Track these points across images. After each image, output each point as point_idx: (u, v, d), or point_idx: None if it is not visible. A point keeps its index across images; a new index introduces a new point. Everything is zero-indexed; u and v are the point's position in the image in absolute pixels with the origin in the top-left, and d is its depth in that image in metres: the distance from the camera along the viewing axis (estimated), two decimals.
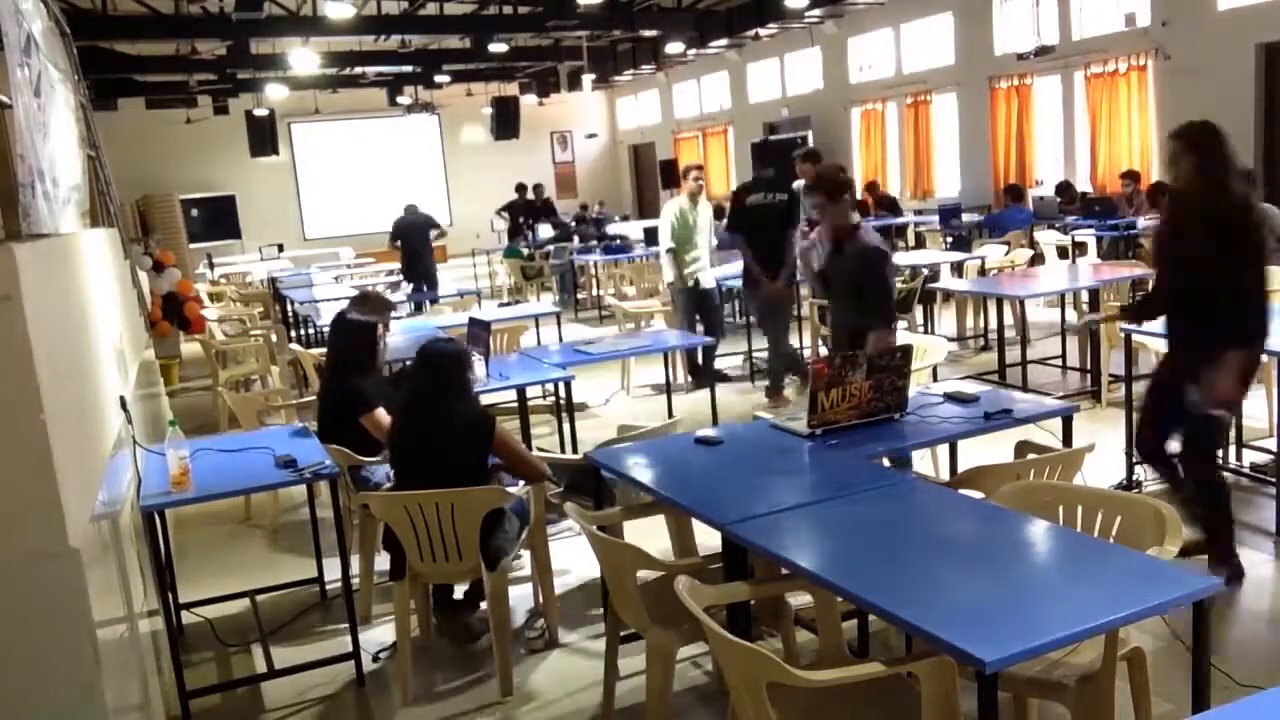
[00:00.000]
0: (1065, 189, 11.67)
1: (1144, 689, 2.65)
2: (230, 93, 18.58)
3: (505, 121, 19.89)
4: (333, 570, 4.47)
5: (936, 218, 12.56)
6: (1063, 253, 10.52)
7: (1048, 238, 10.70)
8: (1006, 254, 9.94)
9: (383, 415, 4.48)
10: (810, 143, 16.26)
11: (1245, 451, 5.32)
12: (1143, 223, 9.54)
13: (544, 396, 7.17)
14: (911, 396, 3.90)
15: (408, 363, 5.39)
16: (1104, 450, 4.87)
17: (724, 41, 16.92)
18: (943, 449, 4.63)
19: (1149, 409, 4.23)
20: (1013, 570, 2.53)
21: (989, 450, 4.08)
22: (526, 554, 4.16)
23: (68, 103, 4.50)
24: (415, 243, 11.55)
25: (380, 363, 4.96)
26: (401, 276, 11.65)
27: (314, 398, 6.57)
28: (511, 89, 21.03)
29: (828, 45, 16.70)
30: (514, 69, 20.05)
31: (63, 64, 4.65)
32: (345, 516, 4.32)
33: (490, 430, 3.83)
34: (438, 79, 18.77)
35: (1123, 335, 5.19)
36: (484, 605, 4.15)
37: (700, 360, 8.11)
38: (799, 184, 8.10)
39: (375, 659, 3.98)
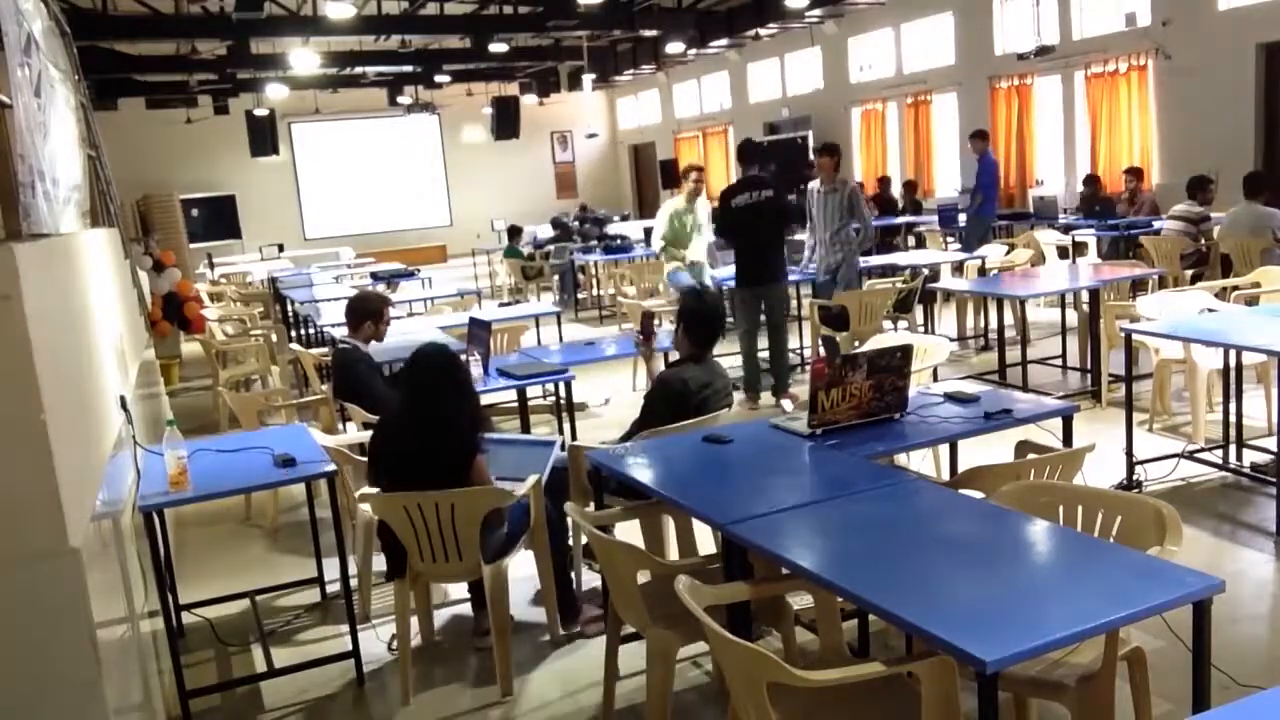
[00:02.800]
0: (1090, 182, 11.55)
1: (1144, 689, 2.65)
2: (230, 93, 18.58)
3: (505, 121, 19.90)
4: (332, 570, 4.47)
5: (936, 217, 12.57)
6: (1063, 253, 10.52)
7: (1048, 238, 10.70)
8: (1007, 254, 9.94)
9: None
10: (811, 143, 16.29)
11: (1245, 451, 5.32)
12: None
13: (544, 396, 7.17)
14: (912, 396, 3.89)
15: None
16: (1104, 450, 4.88)
17: (724, 41, 16.93)
18: (943, 449, 4.63)
19: None
20: (1013, 570, 2.53)
21: (989, 450, 4.08)
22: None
23: (68, 103, 4.51)
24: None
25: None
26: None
27: (314, 397, 6.59)
28: (512, 89, 21.03)
29: (828, 45, 16.70)
30: (514, 69, 20.05)
31: (63, 64, 4.65)
32: (344, 517, 4.32)
33: (470, 455, 3.74)
34: (438, 79, 18.78)
35: (1123, 335, 5.19)
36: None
37: None
38: (814, 183, 8.15)
39: (390, 648, 4.00)
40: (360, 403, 5.09)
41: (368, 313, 5.45)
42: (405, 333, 6.49)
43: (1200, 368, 5.51)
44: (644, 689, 3.23)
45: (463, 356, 5.10)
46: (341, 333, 5.85)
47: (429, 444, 3.74)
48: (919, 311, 8.60)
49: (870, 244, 8.78)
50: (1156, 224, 9.84)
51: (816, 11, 14.81)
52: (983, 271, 9.20)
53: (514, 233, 14.90)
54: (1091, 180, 11.52)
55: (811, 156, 8.38)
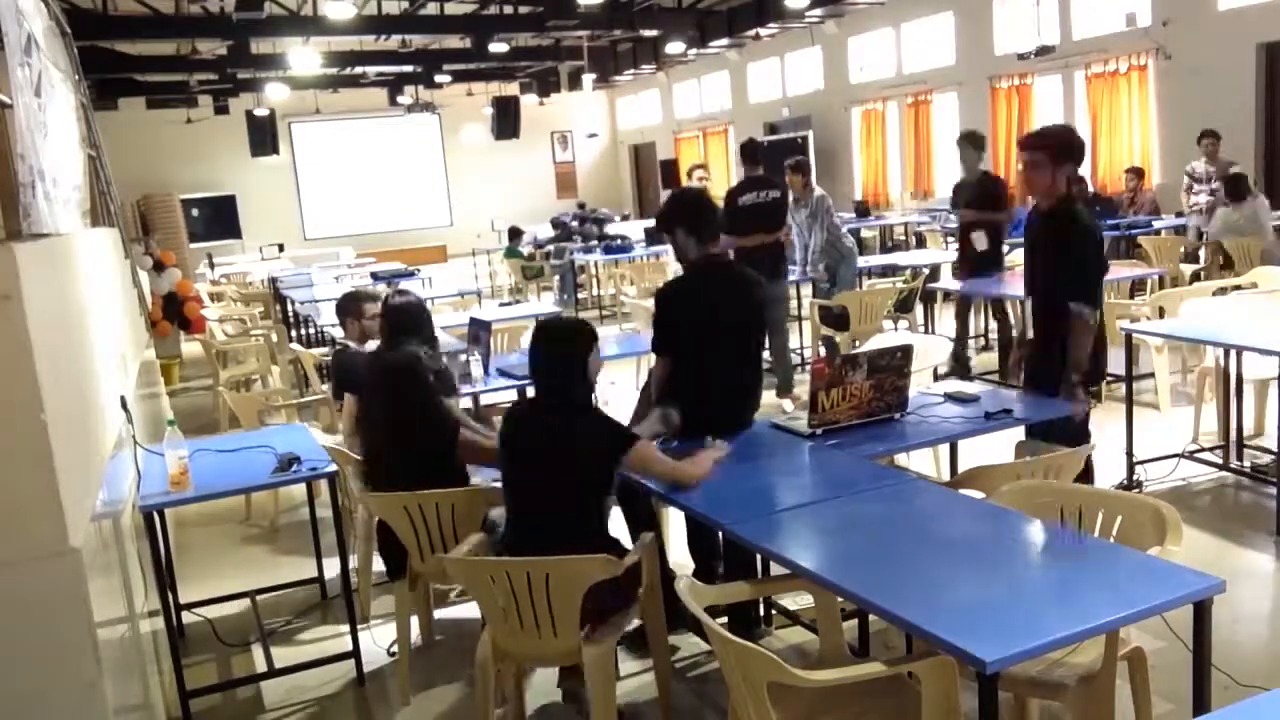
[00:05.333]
0: (1077, 182, 11.63)
1: (1144, 689, 2.65)
2: (230, 92, 18.58)
3: (506, 121, 19.90)
4: (333, 570, 4.47)
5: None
6: None
7: None
8: (1007, 254, 9.91)
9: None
10: (811, 143, 16.30)
11: (1245, 451, 5.31)
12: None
13: None
14: (912, 396, 3.90)
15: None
16: (1104, 450, 4.87)
17: (724, 41, 16.92)
18: (943, 449, 4.63)
19: None
20: (1013, 570, 2.53)
21: (989, 450, 4.08)
22: None
23: (68, 103, 4.51)
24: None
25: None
26: None
27: (314, 397, 6.59)
28: (512, 89, 21.03)
29: (828, 45, 16.70)
30: (514, 69, 20.05)
31: (63, 64, 4.65)
32: (344, 517, 4.32)
33: (453, 436, 3.87)
34: (438, 79, 18.77)
35: (1123, 334, 5.19)
36: None
37: None
38: (795, 202, 8.16)
39: (390, 653, 3.99)
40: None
41: (345, 310, 5.50)
42: None
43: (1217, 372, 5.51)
44: (643, 689, 3.23)
45: (462, 357, 5.11)
46: (340, 333, 5.88)
47: (404, 442, 3.81)
48: (919, 311, 8.60)
49: (818, 264, 8.10)
50: (1157, 224, 9.84)
51: (817, 11, 14.80)
52: None
53: (514, 234, 14.91)
54: (1079, 181, 11.54)
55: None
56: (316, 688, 3.83)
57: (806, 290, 8.69)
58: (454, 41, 16.75)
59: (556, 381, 3.25)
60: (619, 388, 8.18)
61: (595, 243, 14.31)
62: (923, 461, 5.11)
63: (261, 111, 18.97)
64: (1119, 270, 7.67)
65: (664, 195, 19.89)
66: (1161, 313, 6.19)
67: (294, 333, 10.90)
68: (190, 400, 9.32)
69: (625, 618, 3.16)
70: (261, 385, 8.44)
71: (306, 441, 4.08)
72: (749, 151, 7.83)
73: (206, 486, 3.60)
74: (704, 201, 4.24)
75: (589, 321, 3.59)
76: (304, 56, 15.17)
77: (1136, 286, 7.80)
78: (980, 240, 7.52)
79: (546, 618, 2.94)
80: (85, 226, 4.45)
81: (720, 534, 3.65)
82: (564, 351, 3.22)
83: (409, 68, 18.20)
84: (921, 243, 12.76)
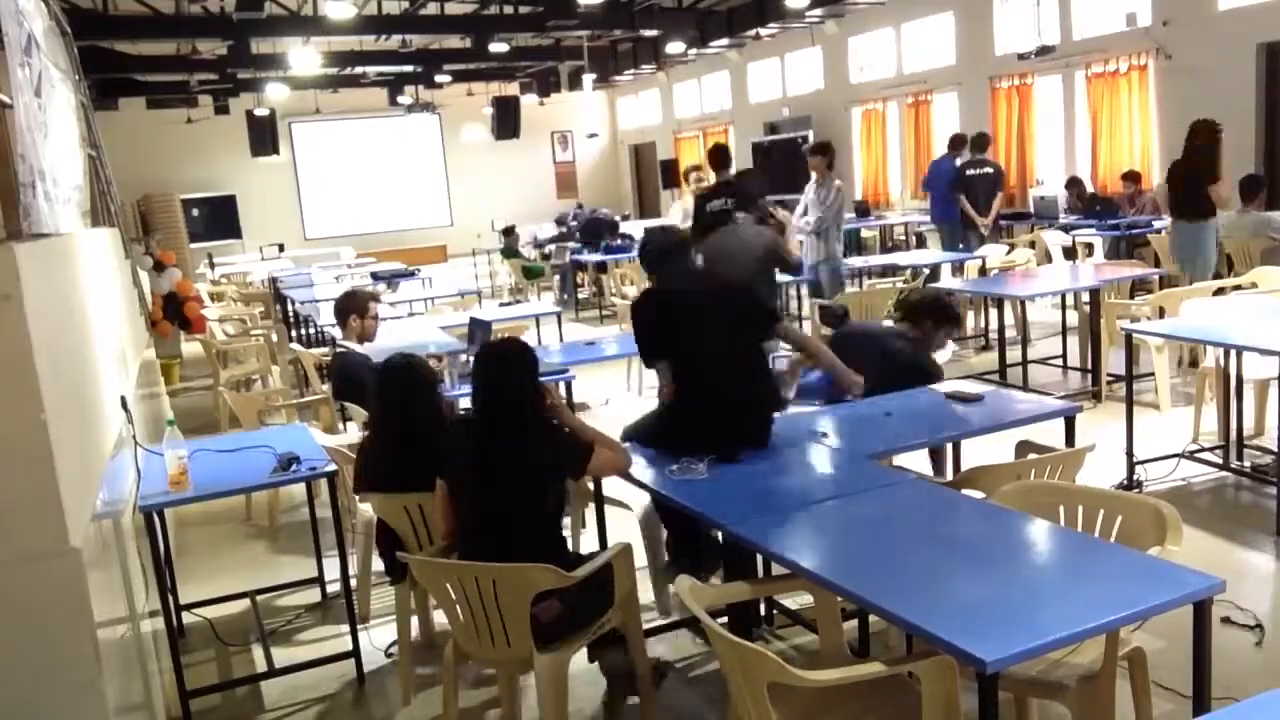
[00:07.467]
0: (1074, 184, 11.63)
1: (1144, 689, 2.65)
2: (231, 92, 18.57)
3: (506, 121, 19.89)
4: (333, 570, 4.47)
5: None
6: (1069, 253, 10.50)
7: (1053, 238, 10.69)
8: (1007, 254, 9.93)
9: None
10: (811, 142, 16.27)
11: (1246, 451, 5.31)
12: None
13: None
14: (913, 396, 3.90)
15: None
16: (1105, 450, 4.87)
17: (725, 41, 16.92)
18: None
19: None
20: (1013, 570, 2.53)
21: (990, 450, 4.08)
22: None
23: (68, 102, 4.51)
24: None
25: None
26: None
27: (314, 397, 6.59)
28: (512, 89, 21.03)
29: (828, 45, 16.70)
30: (514, 69, 20.04)
31: (63, 64, 4.65)
32: (344, 517, 4.32)
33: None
34: (438, 79, 18.77)
35: (1123, 334, 5.19)
36: None
37: None
38: (815, 184, 8.22)
39: (389, 653, 3.99)
40: (361, 404, 5.12)
41: (349, 309, 5.50)
42: (406, 336, 6.49)
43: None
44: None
45: (462, 357, 5.11)
46: (340, 333, 5.89)
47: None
48: None
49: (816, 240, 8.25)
50: (1157, 224, 9.83)
51: (817, 11, 14.80)
52: (983, 271, 9.19)
53: (509, 232, 14.91)
54: (1075, 182, 11.54)
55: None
56: (316, 688, 3.83)
57: (804, 291, 8.70)
58: (454, 41, 16.75)
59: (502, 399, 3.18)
60: (618, 395, 8.18)
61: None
62: (923, 462, 5.11)
63: (261, 111, 18.96)
64: (1119, 270, 7.68)
65: (664, 196, 19.83)
66: (1161, 313, 6.20)
67: (294, 333, 10.90)
68: (190, 400, 9.32)
69: (584, 633, 3.08)
70: (261, 385, 8.45)
71: (306, 441, 4.09)
72: (716, 157, 7.99)
73: (206, 486, 3.60)
74: (671, 244, 4.11)
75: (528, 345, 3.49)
76: (304, 56, 15.17)
77: (1137, 287, 7.80)
78: None
79: (498, 623, 2.93)
80: (85, 226, 4.45)
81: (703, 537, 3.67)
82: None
83: (409, 68, 18.20)
84: (922, 243, 12.76)
